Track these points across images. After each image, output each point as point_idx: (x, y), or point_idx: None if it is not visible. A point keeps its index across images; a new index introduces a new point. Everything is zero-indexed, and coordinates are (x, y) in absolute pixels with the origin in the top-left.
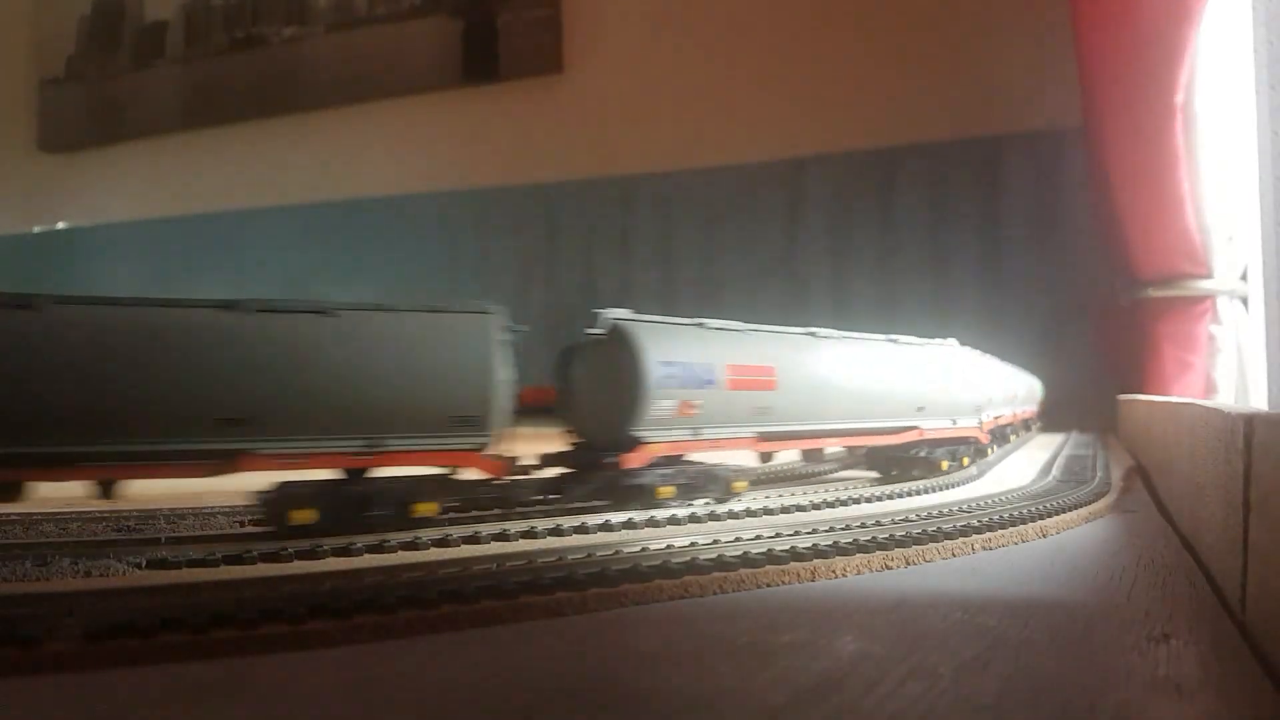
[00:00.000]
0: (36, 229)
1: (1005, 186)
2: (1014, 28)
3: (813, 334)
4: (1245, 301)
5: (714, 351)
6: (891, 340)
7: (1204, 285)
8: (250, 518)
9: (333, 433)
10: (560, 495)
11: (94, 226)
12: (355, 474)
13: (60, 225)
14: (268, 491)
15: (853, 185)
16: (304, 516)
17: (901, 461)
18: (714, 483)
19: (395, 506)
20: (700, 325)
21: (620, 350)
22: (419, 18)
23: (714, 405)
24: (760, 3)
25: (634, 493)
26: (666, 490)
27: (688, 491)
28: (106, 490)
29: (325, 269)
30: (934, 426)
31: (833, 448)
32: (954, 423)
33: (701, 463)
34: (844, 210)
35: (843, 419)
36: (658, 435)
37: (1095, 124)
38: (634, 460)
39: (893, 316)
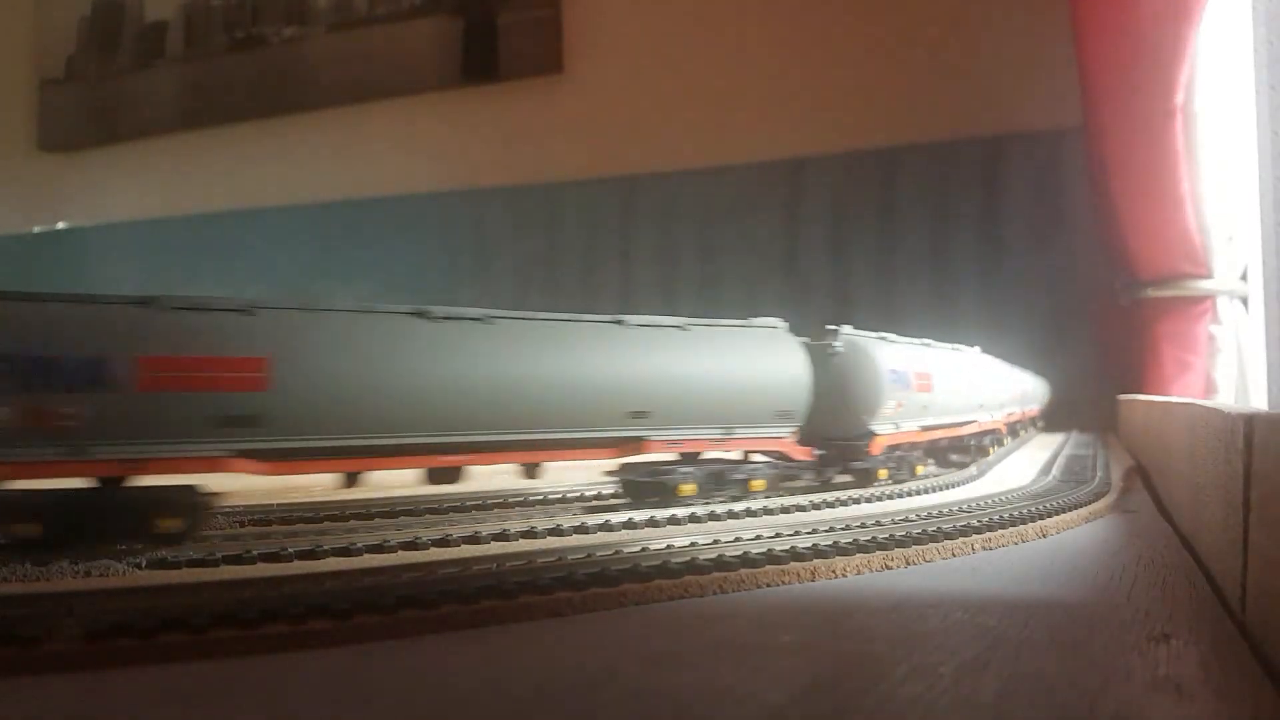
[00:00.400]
0: (36, 229)
1: (1005, 186)
2: (1014, 28)
3: (927, 344)
4: (1245, 301)
5: (908, 360)
6: (956, 349)
7: (1204, 285)
8: (613, 491)
9: (703, 422)
10: (816, 475)
11: (94, 226)
12: (689, 456)
13: (60, 225)
14: (656, 469)
15: (853, 185)
16: (689, 490)
17: (955, 450)
18: (906, 466)
19: (740, 484)
20: (884, 338)
21: (861, 361)
22: (419, 18)
23: (909, 404)
24: (760, 3)
25: (860, 473)
26: (883, 472)
27: (893, 473)
28: (531, 472)
29: (325, 269)
30: (985, 420)
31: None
32: (992, 417)
33: (898, 450)
34: (844, 210)
35: (955, 414)
36: (883, 428)
37: (1095, 124)
38: (874, 448)
39: (893, 316)
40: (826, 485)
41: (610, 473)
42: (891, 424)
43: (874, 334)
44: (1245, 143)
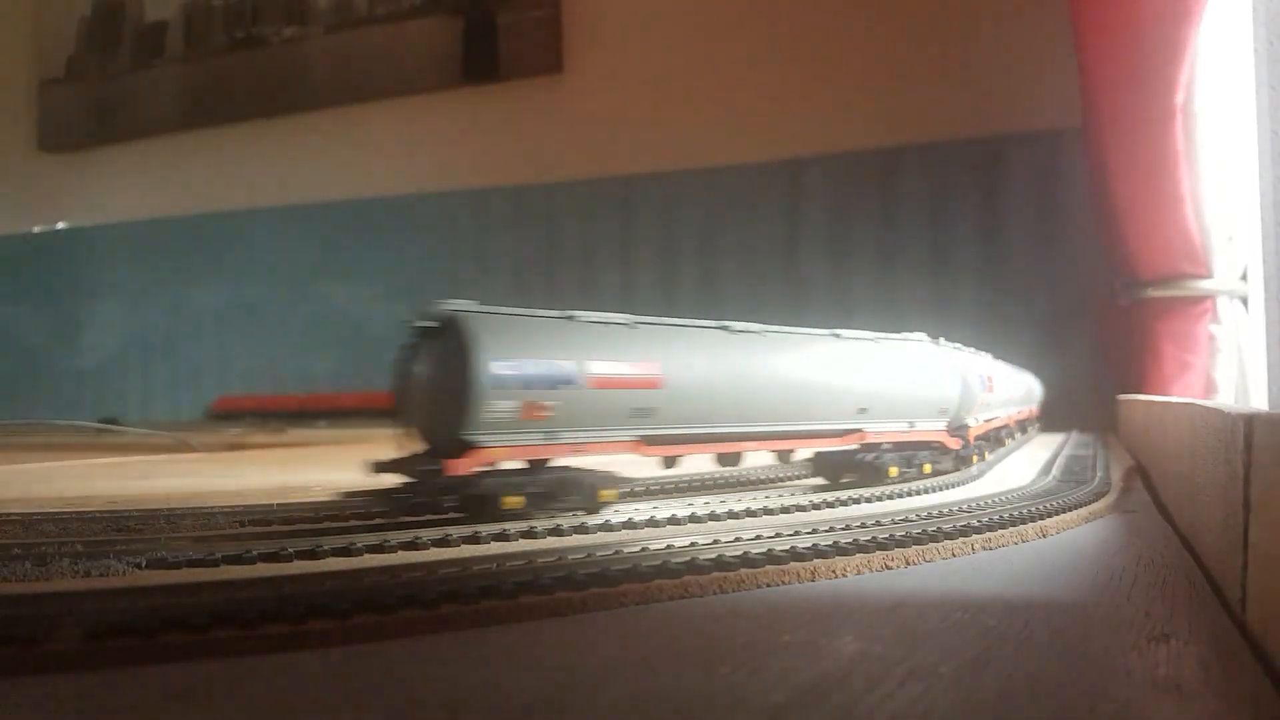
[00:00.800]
0: (36, 229)
1: (1005, 186)
2: (1014, 28)
3: (976, 352)
4: (1245, 301)
5: (981, 366)
6: (976, 354)
7: (1204, 285)
8: (809, 474)
9: (900, 416)
10: (952, 461)
11: (94, 226)
12: (869, 446)
13: (60, 225)
14: (867, 455)
15: (853, 185)
16: (893, 471)
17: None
18: (981, 452)
19: (918, 467)
20: (959, 348)
21: (959, 369)
22: (419, 18)
23: (984, 402)
24: (760, 3)
25: (959, 458)
26: (974, 458)
27: (977, 459)
28: (784, 457)
29: (325, 269)
30: (1003, 415)
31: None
32: (1010, 414)
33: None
34: (844, 210)
35: (998, 410)
36: (973, 421)
37: (1095, 124)
38: (970, 439)
39: (893, 316)
40: (935, 472)
41: (808, 459)
42: (975, 419)
43: (951, 344)
44: (1245, 143)
